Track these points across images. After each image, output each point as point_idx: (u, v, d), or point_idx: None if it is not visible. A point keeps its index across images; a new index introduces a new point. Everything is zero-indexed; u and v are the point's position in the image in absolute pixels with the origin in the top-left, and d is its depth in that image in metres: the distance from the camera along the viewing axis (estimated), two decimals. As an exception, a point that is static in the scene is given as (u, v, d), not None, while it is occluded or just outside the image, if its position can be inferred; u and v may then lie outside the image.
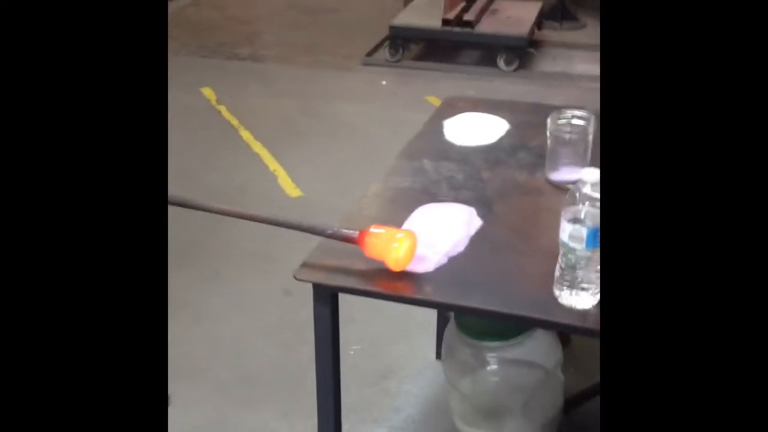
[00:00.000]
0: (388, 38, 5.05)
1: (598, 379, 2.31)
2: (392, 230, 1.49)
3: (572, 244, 1.37)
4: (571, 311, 1.39)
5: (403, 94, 4.60)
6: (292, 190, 3.58)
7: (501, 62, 4.81)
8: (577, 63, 5.09)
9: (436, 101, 4.47)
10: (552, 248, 1.56)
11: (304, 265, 1.54)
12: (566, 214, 1.39)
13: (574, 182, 1.79)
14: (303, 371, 2.51)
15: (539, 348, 1.89)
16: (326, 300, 1.54)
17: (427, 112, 4.36)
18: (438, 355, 2.55)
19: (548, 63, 5.05)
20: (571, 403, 2.14)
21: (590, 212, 1.37)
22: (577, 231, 1.35)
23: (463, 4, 5.03)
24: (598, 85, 4.16)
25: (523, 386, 1.89)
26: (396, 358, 2.58)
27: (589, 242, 1.35)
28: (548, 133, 1.81)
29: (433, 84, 4.70)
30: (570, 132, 1.78)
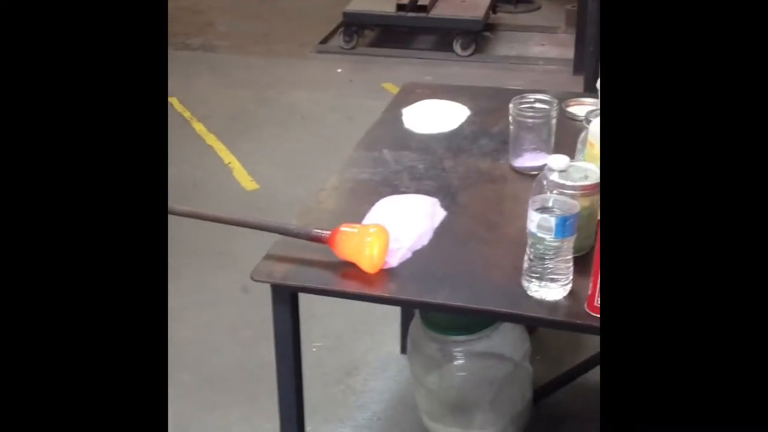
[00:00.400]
0: (342, 25, 4.95)
1: (566, 367, 2.28)
2: (364, 228, 1.43)
3: (540, 234, 1.31)
4: (540, 303, 1.34)
5: (359, 82, 4.52)
6: (247, 182, 3.48)
7: (457, 47, 4.75)
8: (533, 45, 5.05)
9: (392, 88, 4.40)
10: (519, 237, 1.51)
11: (261, 264, 1.46)
12: (534, 203, 1.33)
13: (539, 168, 1.75)
14: (265, 371, 2.42)
15: (507, 340, 1.84)
16: (285, 301, 1.47)
17: (384, 99, 4.29)
18: (403, 350, 2.49)
19: (504, 46, 5.01)
20: (540, 394, 2.10)
21: (558, 200, 1.32)
22: (545, 221, 1.30)
23: (417, -11, 4.95)
24: (554, 67, 4.18)
25: (492, 380, 1.84)
26: (360, 353, 2.51)
27: (558, 232, 1.30)
28: (510, 119, 1.75)
29: (390, 70, 4.63)
30: (533, 117, 1.72)
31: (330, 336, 2.58)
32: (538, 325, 1.98)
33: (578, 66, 4.51)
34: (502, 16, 5.46)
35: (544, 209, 1.32)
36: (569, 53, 4.75)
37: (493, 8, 5.19)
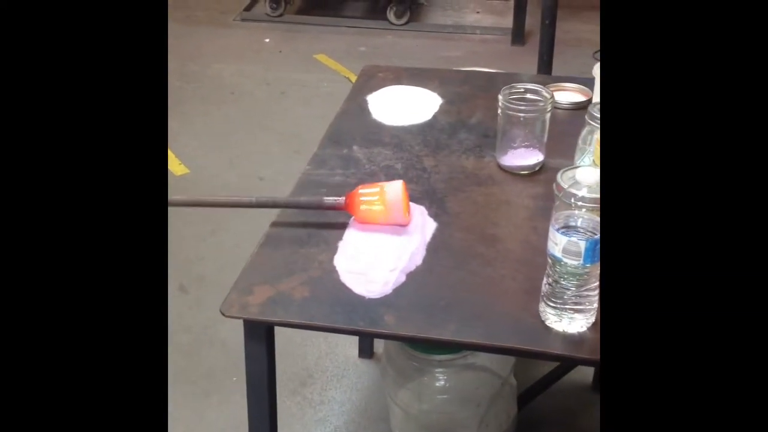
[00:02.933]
0: (267, -11, 4.65)
1: (542, 373, 2.13)
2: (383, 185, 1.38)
3: (566, 260, 1.12)
4: (564, 338, 1.16)
5: (289, 53, 4.24)
6: (176, 167, 3.19)
7: (391, 15, 4.51)
8: (468, 14, 4.86)
9: (325, 59, 4.15)
10: (522, 254, 1.34)
11: (232, 295, 1.23)
12: (556, 221, 1.14)
13: (530, 168, 1.57)
14: (212, 382, 2.21)
15: (492, 355, 1.67)
16: (260, 336, 1.25)
17: (317, 71, 4.08)
18: (361, 353, 2.31)
19: (439, 15, 4.80)
20: (519, 403, 1.94)
21: (586, 219, 1.13)
22: (573, 245, 1.11)
23: (346, -48, 4.68)
24: (491, 36, 3.97)
25: (479, 401, 1.67)
26: (314, 359, 2.31)
27: (588, 257, 1.11)
28: (499, 112, 1.56)
29: (321, 40, 4.36)
30: (525, 111, 1.53)
31: (279, 341, 2.35)
32: (561, 362, 1.81)
33: (517, 36, 4.35)
34: (434, -18, 5.25)
35: (568, 228, 1.13)
36: (505, 22, 4.59)
37: (425, -26, 4.97)
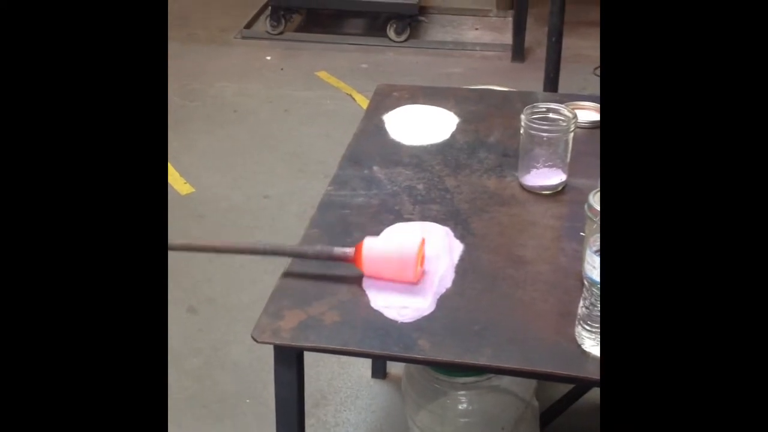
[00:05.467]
0: (267, 7, 4.64)
1: (560, 392, 2.10)
2: (397, 238, 1.33)
3: (604, 283, 1.11)
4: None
5: (291, 70, 4.23)
6: (181, 186, 3.17)
7: (391, 32, 4.52)
8: (468, 30, 4.87)
9: (327, 77, 4.14)
10: (553, 276, 1.33)
11: (263, 320, 1.21)
12: (594, 244, 1.13)
13: (553, 187, 1.56)
14: (225, 406, 2.19)
15: (516, 378, 1.65)
16: (291, 362, 1.23)
17: (320, 89, 4.07)
18: (374, 373, 2.28)
19: (439, 31, 4.80)
20: (540, 424, 1.92)
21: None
22: (611, 267, 1.09)
23: (346, -30, 4.69)
24: (492, 53, 3.97)
25: (502, 424, 1.65)
26: (327, 380, 2.28)
27: (626, 280, 1.10)
28: (521, 132, 1.55)
29: (322, 57, 4.36)
30: (549, 131, 1.53)
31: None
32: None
33: (517, 53, 4.36)
34: (432, -1, 5.26)
35: (604, 251, 1.12)
36: (504, 38, 4.61)
37: (423, -10, 4.98)
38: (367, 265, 1.28)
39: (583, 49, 4.21)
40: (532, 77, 3.78)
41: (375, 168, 1.64)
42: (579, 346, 1.17)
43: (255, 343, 1.19)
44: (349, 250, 1.29)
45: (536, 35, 4.37)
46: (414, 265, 1.26)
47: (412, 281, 1.27)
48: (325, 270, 1.33)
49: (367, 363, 2.30)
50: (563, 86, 3.10)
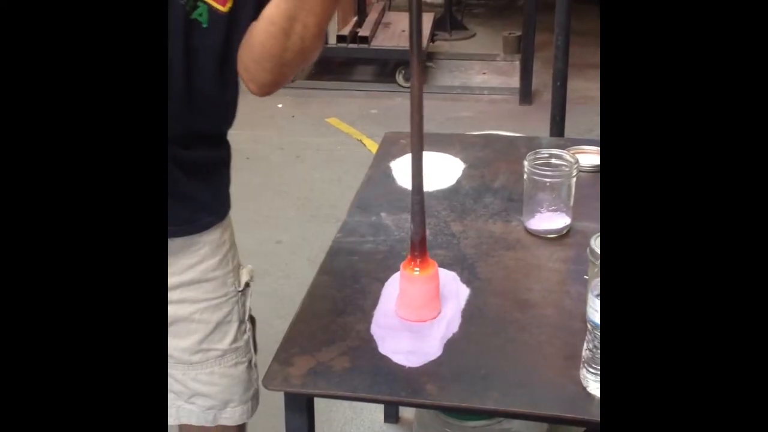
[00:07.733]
0: (278, 57, 4.73)
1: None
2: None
3: (606, 326, 1.13)
4: (606, 404, 1.16)
5: (302, 117, 4.31)
6: (195, 233, 3.21)
7: (400, 78, 4.59)
8: (474, 74, 4.95)
9: (338, 123, 4.21)
10: (559, 320, 1.35)
11: (273, 368, 1.24)
12: (595, 287, 1.15)
13: (557, 231, 1.59)
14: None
15: (527, 421, 1.66)
16: (302, 408, 1.25)
17: (330, 135, 4.14)
18: (387, 418, 2.29)
19: (446, 76, 4.88)
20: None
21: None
22: (613, 310, 1.12)
23: (355, 19, 4.79)
24: (499, 97, 4.01)
25: (514, 467, 1.66)
26: (341, 426, 2.29)
27: (628, 322, 1.12)
28: (525, 177, 1.58)
29: (332, 104, 4.44)
30: (552, 176, 1.56)
31: (305, 406, 2.35)
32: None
33: (525, 96, 4.42)
34: (440, 44, 5.36)
35: (606, 295, 1.14)
36: (512, 82, 4.68)
37: (431, 37, 5.07)
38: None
39: (590, 91, 4.27)
40: (540, 119, 3.83)
41: (383, 214, 1.67)
42: (584, 388, 1.19)
43: (265, 389, 1.22)
44: None
45: (543, 78, 4.43)
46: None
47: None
48: (335, 316, 1.35)
49: (379, 408, 2.31)
50: (570, 128, 3.14)
